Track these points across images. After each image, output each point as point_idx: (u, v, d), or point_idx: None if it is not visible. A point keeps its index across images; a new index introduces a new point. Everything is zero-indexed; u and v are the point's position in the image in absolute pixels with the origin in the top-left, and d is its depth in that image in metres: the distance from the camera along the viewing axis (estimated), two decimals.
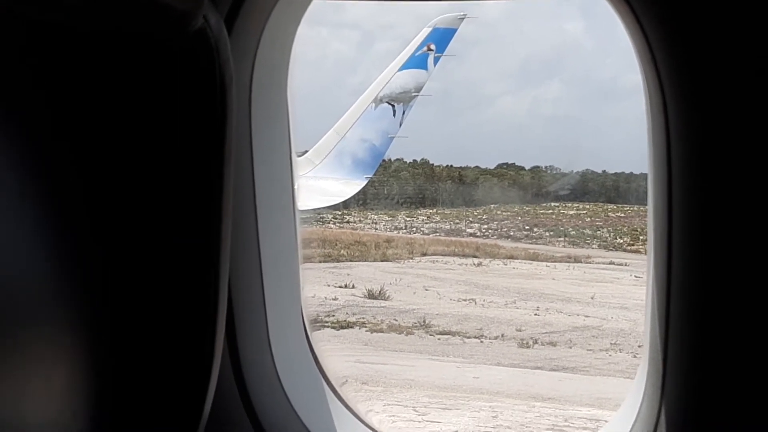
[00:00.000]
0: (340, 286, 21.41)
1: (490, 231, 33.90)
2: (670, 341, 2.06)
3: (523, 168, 45.49)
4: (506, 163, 45.67)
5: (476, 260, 25.00)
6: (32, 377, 1.47)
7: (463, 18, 27.47)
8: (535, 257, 26.05)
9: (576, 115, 49.29)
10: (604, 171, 44.62)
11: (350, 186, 26.34)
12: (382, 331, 17.91)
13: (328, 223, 35.19)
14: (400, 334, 17.72)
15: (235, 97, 1.74)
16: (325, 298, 20.37)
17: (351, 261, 25.08)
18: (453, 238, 31.10)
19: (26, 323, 1.46)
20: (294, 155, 2.71)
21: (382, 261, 24.98)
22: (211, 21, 1.70)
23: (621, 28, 2.16)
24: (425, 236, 31.83)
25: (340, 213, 37.44)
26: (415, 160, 42.91)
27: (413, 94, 27.21)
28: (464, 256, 25.86)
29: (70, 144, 1.63)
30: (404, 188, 40.84)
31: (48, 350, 1.52)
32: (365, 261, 25.08)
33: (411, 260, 25.45)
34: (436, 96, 44.65)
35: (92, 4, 1.52)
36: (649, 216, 2.19)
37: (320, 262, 25.30)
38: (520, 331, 17.74)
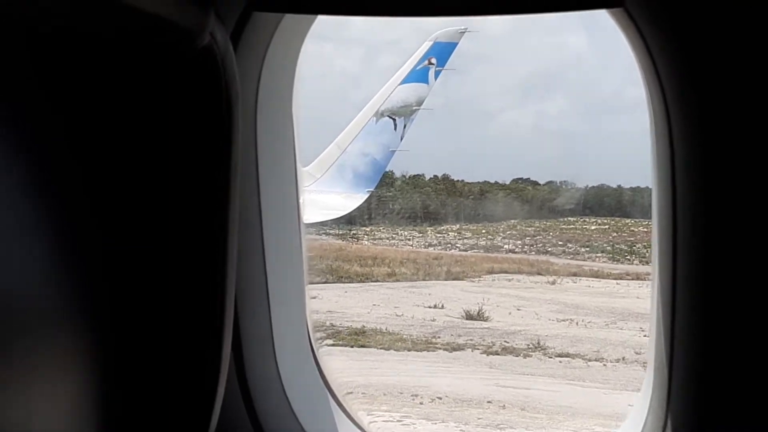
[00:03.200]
0: (430, 307, 21.00)
1: (526, 247, 33.75)
2: (675, 353, 2.05)
3: (537, 183, 45.50)
4: (521, 178, 45.65)
5: (547, 278, 24.74)
6: (38, 384, 1.45)
7: (464, 32, 27.70)
8: (597, 274, 25.91)
9: (582, 129, 49.53)
10: (619, 186, 44.81)
11: (351, 200, 26.54)
12: (498, 354, 17.52)
13: (361, 239, 34.77)
14: (517, 356, 17.35)
15: (240, 112, 1.74)
16: (424, 319, 19.95)
17: (422, 280, 24.67)
18: (496, 255, 30.87)
19: (31, 331, 1.44)
20: (299, 169, 2.74)
21: (454, 279, 24.60)
22: (217, 37, 1.70)
23: (624, 41, 2.14)
24: (464, 252, 31.56)
25: (368, 229, 37.08)
26: (436, 176, 42.67)
27: (414, 107, 27.41)
28: (528, 273, 25.60)
29: (77, 158, 1.61)
30: (425, 203, 40.56)
31: (54, 358, 1.50)
32: (435, 280, 24.68)
33: (480, 279, 25.10)
34: (441, 111, 44.65)
35: (101, 19, 1.51)
36: (653, 226, 2.18)
37: (384, 281, 24.88)
38: (639, 354, 17.48)
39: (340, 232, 36.49)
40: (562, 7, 2.20)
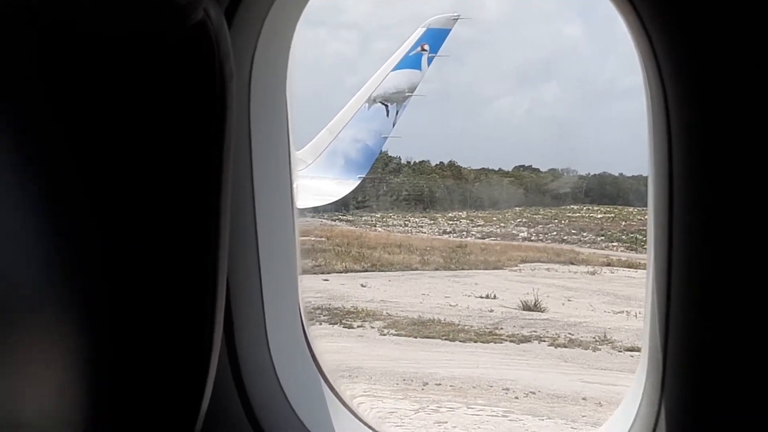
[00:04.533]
0: (481, 297, 20.83)
1: (540, 235, 33.73)
2: (670, 338, 2.06)
3: (539, 170, 45.51)
4: (523, 165, 45.65)
5: (585, 268, 24.68)
6: (28, 373, 1.46)
7: (457, 19, 27.87)
8: (630, 264, 25.92)
9: (580, 116, 49.67)
10: (621, 174, 44.98)
11: (343, 186, 26.36)
12: (566, 346, 17.37)
13: (374, 225, 34.51)
14: (585, 349, 17.22)
15: (235, 90, 1.72)
16: (480, 309, 19.74)
17: (461, 269, 24.47)
18: (516, 243, 30.80)
19: (22, 320, 1.44)
20: (293, 152, 2.69)
21: (494, 269, 24.45)
22: (211, 13, 1.67)
23: (621, 30, 2.14)
24: (482, 240, 31.45)
25: (380, 215, 36.83)
26: (442, 162, 42.45)
27: (407, 94, 27.76)
28: (561, 263, 25.52)
29: (67, 137, 1.61)
30: (432, 189, 40.36)
31: (44, 346, 1.50)
32: (473, 269, 24.51)
33: (517, 268, 24.97)
34: (437, 97, 44.52)
35: None
36: (649, 214, 2.19)
37: (422, 269, 24.66)
38: None
39: (351, 218, 36.22)
40: None
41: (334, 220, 34.91)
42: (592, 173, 45.39)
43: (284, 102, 2.62)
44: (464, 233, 33.63)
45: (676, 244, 2.02)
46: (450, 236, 32.70)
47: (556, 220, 36.58)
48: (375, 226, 34.88)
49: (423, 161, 42.42)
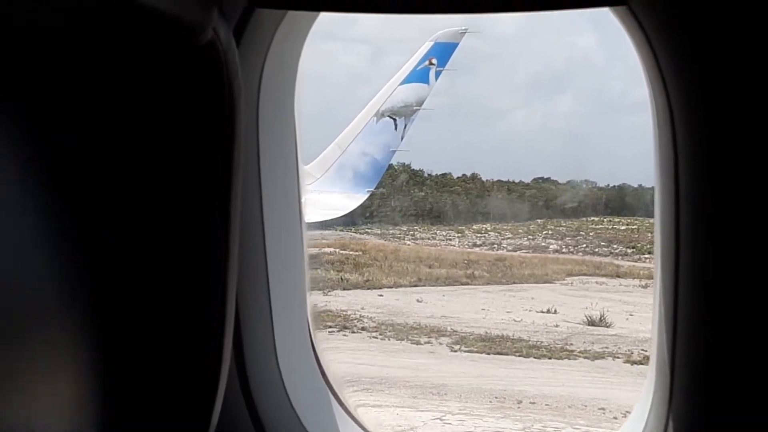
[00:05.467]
0: (542, 311, 20.54)
1: (570, 247, 33.54)
2: (677, 352, 2.06)
3: (557, 182, 45.39)
4: (542, 177, 45.54)
5: (638, 282, 24.44)
6: (39, 381, 1.45)
7: (465, 32, 28.01)
8: None
9: (597, 128, 49.70)
10: (640, 185, 44.92)
11: (352, 200, 26.57)
12: (642, 363, 17.07)
13: (402, 239, 34.25)
14: None
15: (243, 108, 1.74)
16: (545, 324, 19.46)
17: (512, 283, 24.21)
18: (547, 255, 30.60)
19: (33, 327, 1.44)
20: (301, 166, 2.72)
21: (544, 282, 24.20)
22: (220, 33, 1.69)
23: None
24: (514, 253, 31.21)
25: (405, 228, 36.58)
26: (464, 174, 42.30)
27: (415, 107, 28.08)
28: (608, 276, 25.31)
29: (78, 154, 1.61)
30: (455, 202, 40.19)
31: (55, 355, 1.50)
32: (523, 282, 24.27)
33: (567, 282, 24.73)
34: (449, 110, 44.57)
35: (103, 15, 1.51)
36: (656, 224, 2.20)
37: (472, 284, 24.40)
38: None
39: (380, 231, 35.96)
40: (566, 5, 2.16)
41: (361, 233, 34.61)
42: (611, 184, 45.29)
43: (292, 117, 2.64)
44: (495, 246, 33.36)
45: (682, 256, 2.01)
46: (481, 249, 32.43)
47: (583, 233, 36.39)
48: (403, 239, 34.57)
49: (445, 174, 42.22)
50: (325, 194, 24.27)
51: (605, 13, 2.18)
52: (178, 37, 1.65)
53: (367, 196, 27.16)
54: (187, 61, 1.67)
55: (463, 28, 27.45)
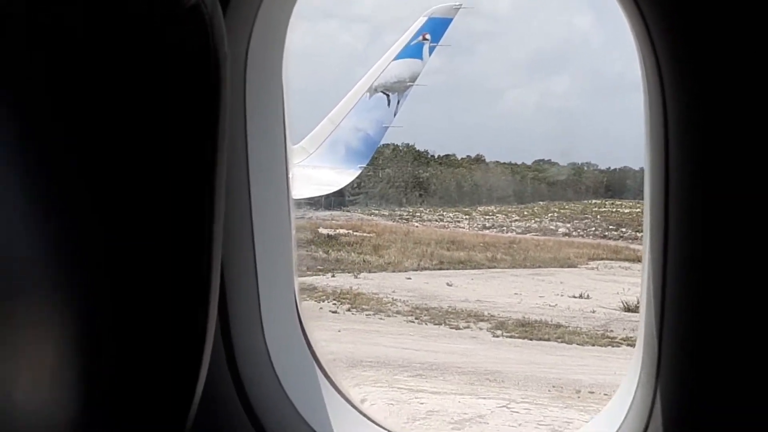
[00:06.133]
0: (574, 297, 20.31)
1: (580, 231, 33.39)
2: (665, 329, 2.08)
3: (558, 164, 45.28)
4: (542, 159, 45.39)
5: None
6: (20, 355, 1.47)
7: (459, 8, 27.95)
8: None
9: (594, 109, 49.55)
10: (641, 168, 44.88)
11: (344, 175, 26.29)
12: None
13: (408, 221, 33.92)
14: None
15: (229, 75, 1.71)
16: (581, 310, 19.23)
17: (538, 267, 23.97)
18: (559, 239, 30.45)
19: (18, 308, 1.45)
20: (288, 140, 2.67)
21: (569, 267, 23.99)
22: None
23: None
24: (524, 236, 30.99)
25: (411, 210, 36.26)
26: (469, 156, 42.01)
27: (408, 83, 27.89)
28: (628, 260, 25.14)
29: (64, 125, 1.60)
30: (459, 184, 39.92)
31: (38, 334, 1.51)
32: (548, 267, 24.04)
33: (592, 267, 24.53)
34: (445, 88, 44.26)
35: None
36: (645, 208, 2.21)
37: (498, 267, 24.13)
38: None
39: (386, 213, 35.59)
40: None
41: (369, 215, 34.23)
42: (612, 167, 45.27)
43: (280, 92, 2.59)
44: (504, 228, 33.13)
45: (671, 237, 2.03)
46: (491, 231, 32.17)
47: (589, 216, 36.28)
48: (410, 221, 34.21)
49: (449, 155, 41.91)
50: (318, 169, 24.12)
51: None
52: (161, 0, 1.63)
53: (359, 171, 26.95)
54: (170, 25, 1.62)
55: (458, 3, 27.21)
